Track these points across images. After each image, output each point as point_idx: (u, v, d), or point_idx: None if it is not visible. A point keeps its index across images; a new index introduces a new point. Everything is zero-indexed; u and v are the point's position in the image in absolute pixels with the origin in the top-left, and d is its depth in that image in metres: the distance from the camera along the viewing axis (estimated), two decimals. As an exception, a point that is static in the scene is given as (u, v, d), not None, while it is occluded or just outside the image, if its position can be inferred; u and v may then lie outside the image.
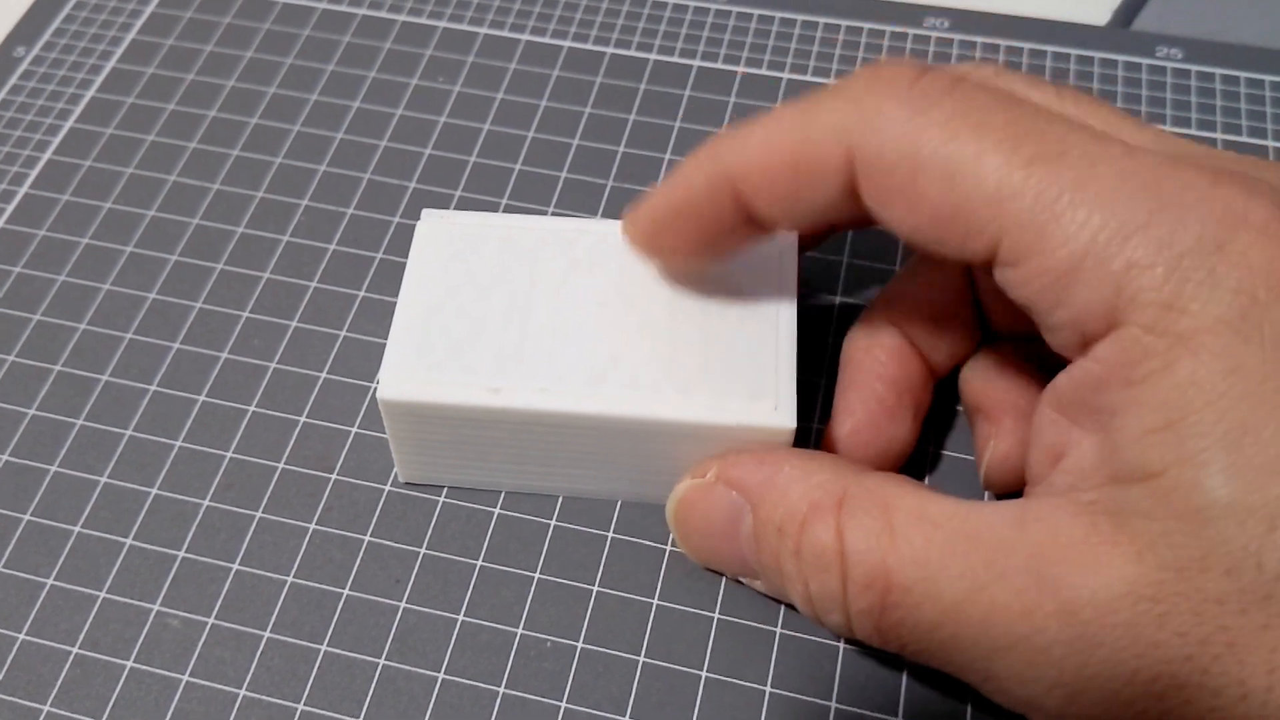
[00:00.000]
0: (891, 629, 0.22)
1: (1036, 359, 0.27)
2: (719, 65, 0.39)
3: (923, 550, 0.21)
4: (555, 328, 0.27)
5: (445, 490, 0.29)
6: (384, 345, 0.32)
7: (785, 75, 0.39)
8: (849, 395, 0.28)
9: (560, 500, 0.29)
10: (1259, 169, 0.22)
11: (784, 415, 0.25)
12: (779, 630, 0.27)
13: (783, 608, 0.27)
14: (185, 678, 0.27)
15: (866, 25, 0.40)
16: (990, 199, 0.20)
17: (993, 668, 0.21)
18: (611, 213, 0.35)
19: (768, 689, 0.26)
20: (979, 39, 0.39)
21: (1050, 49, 0.39)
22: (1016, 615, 0.20)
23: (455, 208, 0.35)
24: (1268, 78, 0.38)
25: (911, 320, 0.28)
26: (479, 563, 0.28)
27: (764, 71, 0.39)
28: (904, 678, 0.27)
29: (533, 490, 0.29)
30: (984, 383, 0.28)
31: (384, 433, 0.30)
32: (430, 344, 0.27)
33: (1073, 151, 0.20)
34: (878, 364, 0.28)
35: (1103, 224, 0.20)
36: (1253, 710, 0.18)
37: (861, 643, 0.24)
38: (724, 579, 0.28)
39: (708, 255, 0.26)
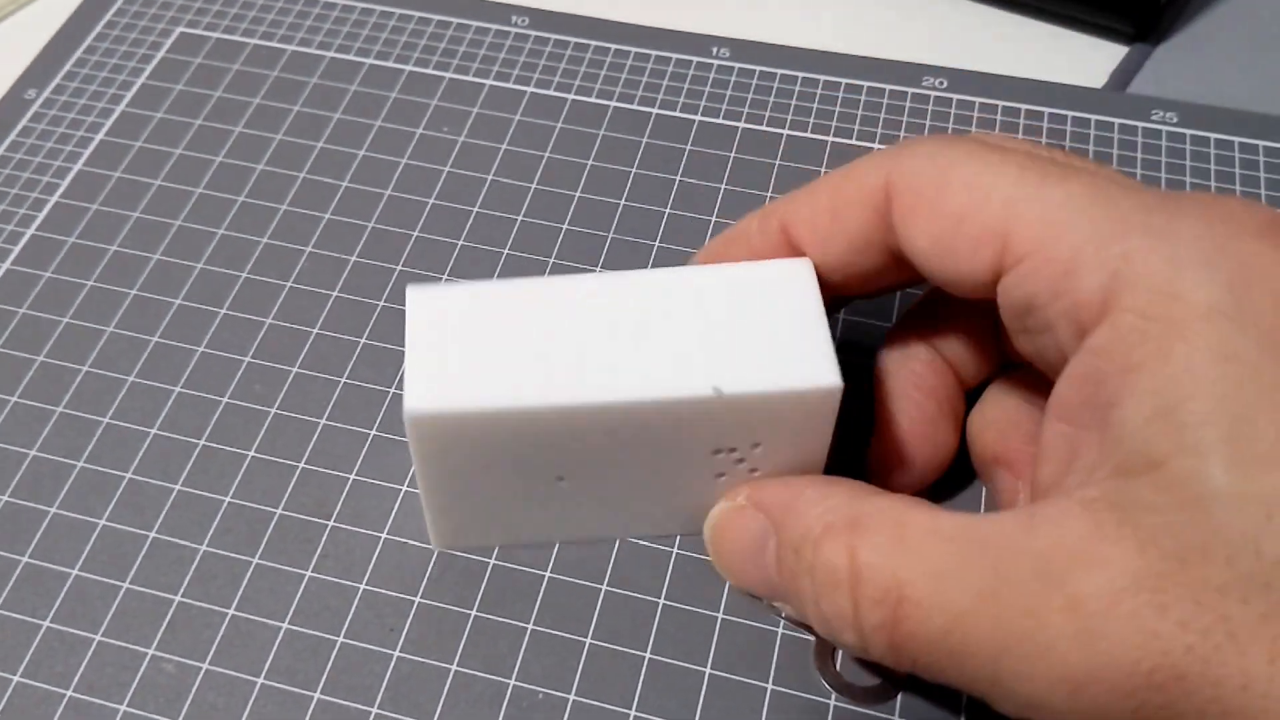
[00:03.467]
0: (904, 642, 0.22)
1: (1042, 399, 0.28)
2: (720, 120, 0.39)
3: (934, 562, 0.21)
4: (581, 339, 0.26)
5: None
6: (384, 392, 0.32)
7: (785, 130, 0.39)
8: (889, 407, 0.29)
9: (555, 551, 0.29)
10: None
11: (829, 374, 0.25)
12: (770, 686, 0.27)
13: (774, 659, 0.28)
14: (178, 723, 0.27)
15: (867, 83, 0.41)
16: (1006, 200, 0.23)
17: (1000, 670, 0.21)
18: (612, 265, 0.35)
19: (758, 745, 0.27)
20: (977, 99, 0.40)
21: (1048, 110, 0.40)
22: (1023, 614, 0.20)
23: (455, 258, 0.35)
24: (1261, 143, 0.38)
25: (940, 334, 0.29)
26: (473, 613, 0.28)
27: (763, 127, 0.39)
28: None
29: (569, 537, 0.29)
30: (999, 432, 0.28)
31: (382, 480, 0.31)
32: (453, 360, 0.25)
33: (1082, 175, 0.23)
34: (914, 375, 0.29)
35: (1105, 218, 0.21)
36: (1253, 700, 0.18)
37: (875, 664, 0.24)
38: (714, 643, 0.28)
39: None
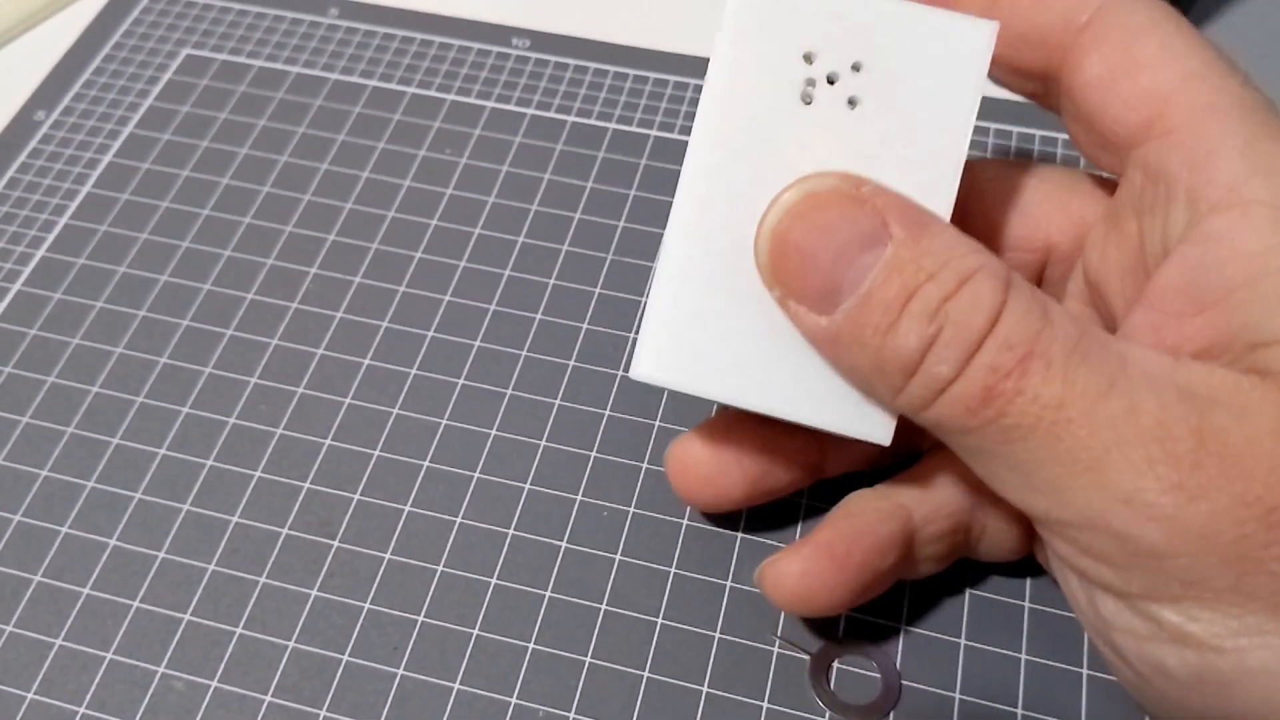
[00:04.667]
0: (1005, 395, 0.21)
1: None
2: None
3: (1074, 339, 0.21)
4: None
5: (444, 558, 0.30)
6: (389, 413, 0.33)
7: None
8: None
9: (555, 571, 0.30)
10: None
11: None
12: (765, 705, 0.28)
13: (770, 678, 0.28)
14: (188, 740, 0.28)
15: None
16: (1187, 73, 0.23)
17: (1106, 459, 0.20)
18: (612, 288, 0.36)
19: (753, 762, 0.27)
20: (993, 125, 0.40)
21: (1038, 134, 0.40)
22: (1158, 422, 0.20)
23: (458, 280, 0.36)
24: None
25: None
26: (475, 631, 0.29)
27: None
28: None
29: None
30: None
31: (386, 500, 0.31)
32: None
33: (1252, 87, 0.23)
34: None
35: (1259, 123, 0.22)
36: None
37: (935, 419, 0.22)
38: (710, 662, 0.29)
39: None
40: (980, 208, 0.28)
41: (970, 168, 0.27)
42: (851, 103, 0.24)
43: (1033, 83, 0.26)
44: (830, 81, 0.24)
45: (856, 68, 0.24)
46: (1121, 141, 0.24)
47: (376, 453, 0.32)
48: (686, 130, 0.40)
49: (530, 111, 0.41)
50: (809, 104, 0.24)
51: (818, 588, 0.26)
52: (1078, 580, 0.23)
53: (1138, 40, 0.24)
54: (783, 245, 0.23)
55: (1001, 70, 0.26)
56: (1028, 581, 0.30)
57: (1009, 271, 0.22)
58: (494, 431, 0.33)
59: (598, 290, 0.36)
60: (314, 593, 0.30)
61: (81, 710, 0.28)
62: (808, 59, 0.24)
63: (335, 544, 0.31)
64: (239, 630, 0.29)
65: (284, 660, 0.29)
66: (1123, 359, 0.21)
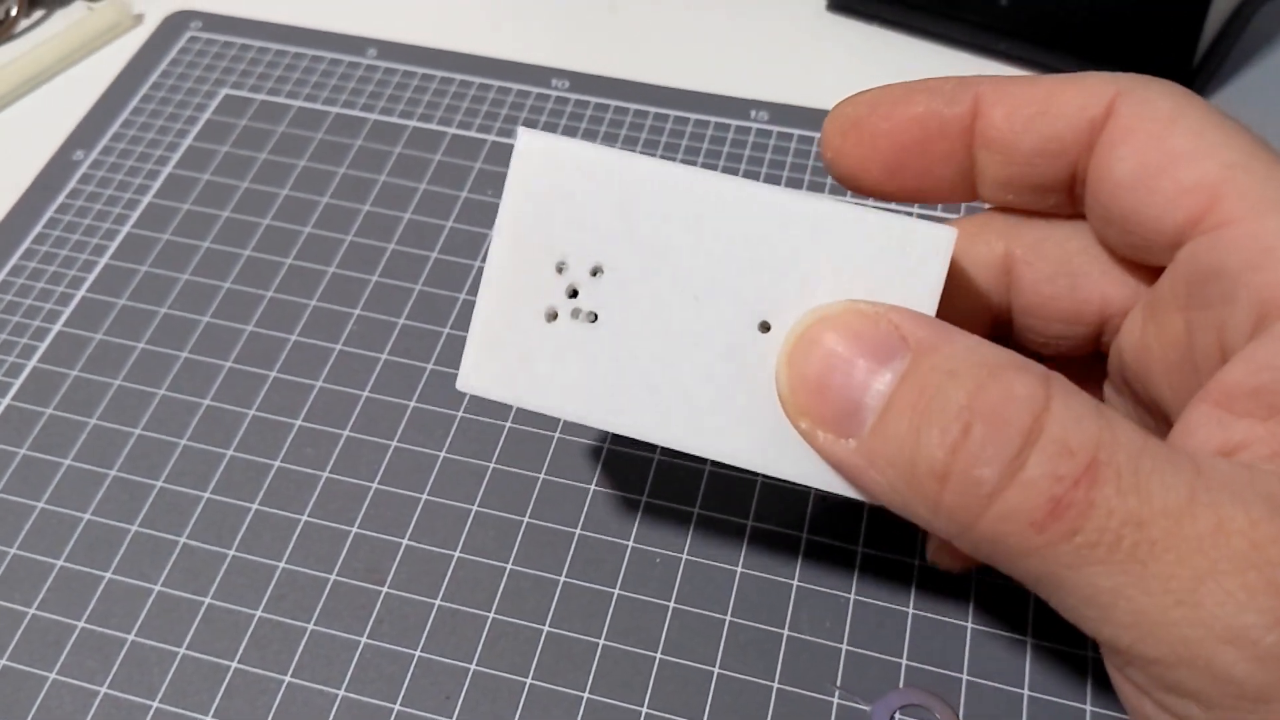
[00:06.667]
0: (1076, 507, 0.19)
1: None
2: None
3: (1141, 446, 0.19)
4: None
5: (495, 605, 0.30)
6: (436, 456, 0.32)
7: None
8: None
9: (609, 618, 0.29)
10: None
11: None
12: (826, 757, 0.27)
13: (830, 733, 0.28)
14: (237, 791, 0.27)
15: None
16: (1227, 162, 0.22)
17: (1201, 590, 0.18)
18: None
19: (815, 816, 0.27)
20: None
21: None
22: (1251, 544, 0.18)
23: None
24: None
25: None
26: (528, 680, 0.29)
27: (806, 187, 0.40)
28: (951, 808, 0.27)
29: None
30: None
31: (434, 545, 0.31)
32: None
33: None
34: None
35: None
36: None
37: (978, 539, 0.21)
38: (770, 712, 0.28)
39: (896, 177, 0.26)
40: (1025, 274, 0.26)
41: (1008, 230, 0.26)
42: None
43: (1054, 196, 0.25)
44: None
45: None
46: (1165, 240, 0.23)
47: (424, 497, 0.32)
48: (730, 171, 0.40)
49: (571, 152, 0.41)
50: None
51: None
52: (1152, 705, 0.21)
53: (1168, 131, 0.22)
54: (800, 372, 0.23)
55: (1019, 192, 0.25)
56: (1090, 631, 0.29)
57: (1047, 371, 0.21)
58: (542, 475, 0.32)
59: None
60: (363, 640, 0.29)
61: (128, 760, 0.28)
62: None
63: (384, 590, 0.30)
64: (288, 678, 0.29)
65: (334, 709, 0.28)
66: (1195, 466, 0.19)
